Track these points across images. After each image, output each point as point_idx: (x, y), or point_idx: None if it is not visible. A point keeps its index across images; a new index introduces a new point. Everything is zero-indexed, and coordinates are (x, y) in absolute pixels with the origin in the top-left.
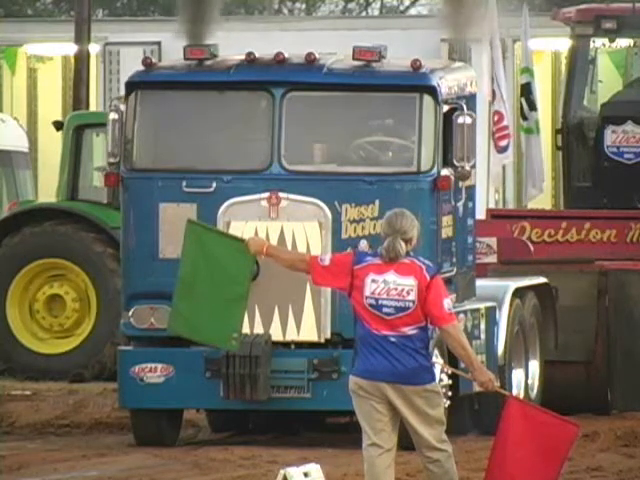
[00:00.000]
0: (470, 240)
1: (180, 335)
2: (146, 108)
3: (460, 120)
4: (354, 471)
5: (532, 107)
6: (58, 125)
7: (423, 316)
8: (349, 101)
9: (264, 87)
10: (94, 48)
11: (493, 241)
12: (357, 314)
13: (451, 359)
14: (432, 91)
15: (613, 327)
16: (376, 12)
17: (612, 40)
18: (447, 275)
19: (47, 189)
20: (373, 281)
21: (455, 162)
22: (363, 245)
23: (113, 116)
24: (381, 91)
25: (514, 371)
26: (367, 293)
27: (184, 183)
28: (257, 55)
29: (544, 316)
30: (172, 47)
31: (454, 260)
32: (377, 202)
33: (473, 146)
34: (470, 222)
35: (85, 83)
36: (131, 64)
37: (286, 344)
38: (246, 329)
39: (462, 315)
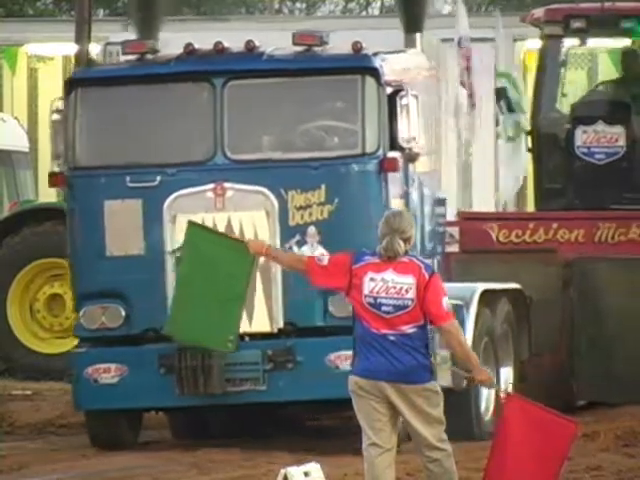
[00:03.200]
0: (430, 228)
1: (176, 339)
2: (87, 105)
3: (404, 101)
4: (354, 471)
5: (510, 109)
6: None
7: (422, 314)
8: (291, 87)
9: (204, 77)
10: (95, 48)
11: (455, 230)
12: (356, 313)
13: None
14: (374, 72)
15: (578, 318)
16: (376, 12)
17: (582, 41)
18: None
19: (47, 189)
20: (371, 280)
21: (402, 144)
22: (311, 232)
23: (55, 117)
24: (322, 75)
25: None
26: (366, 292)
27: (128, 178)
28: (197, 46)
29: (517, 323)
30: (174, 45)
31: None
32: (323, 187)
33: (419, 128)
34: (428, 209)
35: None
36: None
37: (240, 336)
38: None
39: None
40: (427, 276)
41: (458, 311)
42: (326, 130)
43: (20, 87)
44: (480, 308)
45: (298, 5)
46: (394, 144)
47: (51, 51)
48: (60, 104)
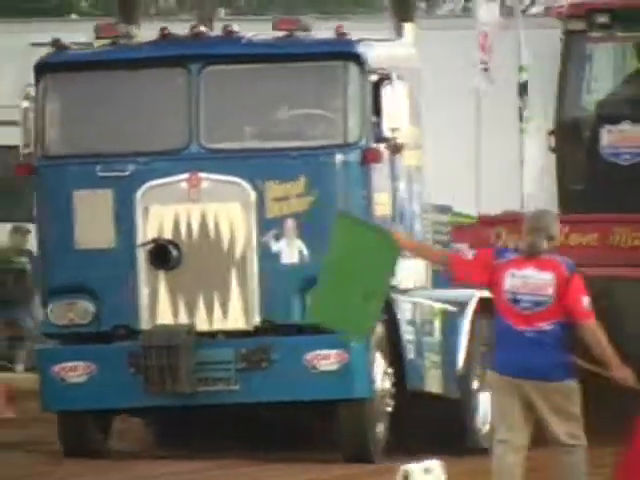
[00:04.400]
0: (417, 226)
1: (318, 323)
2: (56, 91)
3: (389, 89)
4: (473, 469)
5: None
6: None
7: (561, 312)
8: (270, 73)
9: (180, 62)
10: None
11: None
12: (496, 309)
13: None
14: (357, 59)
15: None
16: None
17: (612, 35)
18: None
19: None
20: (513, 276)
21: (386, 133)
22: (290, 224)
23: (25, 104)
24: (303, 60)
25: (481, 393)
26: (506, 288)
27: (98, 167)
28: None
29: None
30: None
31: None
32: (302, 178)
33: (405, 117)
34: (417, 205)
35: None
36: None
37: (213, 334)
38: (169, 319)
39: (410, 305)
40: (569, 274)
41: (452, 317)
42: (306, 118)
43: None
44: (477, 316)
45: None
46: (378, 134)
47: None
48: (32, 91)
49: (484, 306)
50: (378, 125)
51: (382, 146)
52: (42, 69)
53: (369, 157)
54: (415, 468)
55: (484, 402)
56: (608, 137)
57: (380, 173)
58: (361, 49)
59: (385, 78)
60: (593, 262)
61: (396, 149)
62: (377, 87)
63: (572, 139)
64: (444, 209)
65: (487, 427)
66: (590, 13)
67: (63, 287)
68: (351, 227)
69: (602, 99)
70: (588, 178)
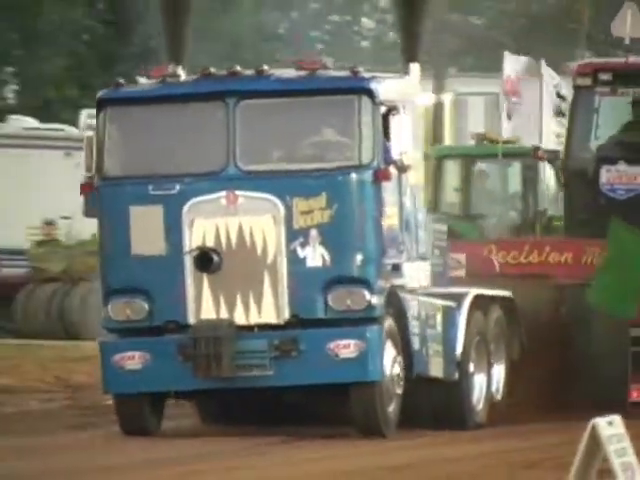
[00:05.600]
0: (422, 234)
1: (599, 308)
2: (114, 122)
3: (396, 118)
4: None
5: None
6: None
7: None
8: (296, 105)
9: (218, 97)
10: (447, 97)
11: (462, 257)
12: None
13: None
14: (369, 93)
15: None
16: None
17: (613, 90)
18: (393, 261)
19: None
20: None
21: (394, 156)
22: (313, 234)
23: (88, 133)
24: (324, 95)
25: (476, 376)
26: None
27: (150, 187)
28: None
29: (509, 326)
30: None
31: (401, 248)
32: (324, 194)
33: (410, 142)
34: (420, 217)
35: (441, 124)
36: (475, 110)
37: (250, 327)
38: (212, 315)
39: (416, 302)
40: None
41: (451, 312)
42: (326, 144)
43: (450, 118)
44: (472, 310)
45: None
46: (387, 157)
47: (474, 89)
48: (93, 122)
49: (478, 301)
50: (387, 149)
51: (391, 167)
52: (102, 103)
53: (380, 176)
54: (601, 421)
55: (478, 383)
56: (607, 175)
57: (390, 190)
58: (373, 85)
59: (393, 109)
60: (569, 277)
61: (403, 169)
62: (386, 117)
63: (578, 176)
64: (441, 219)
65: (481, 405)
66: (596, 72)
67: (121, 288)
68: (623, 231)
69: (602, 143)
70: (590, 209)
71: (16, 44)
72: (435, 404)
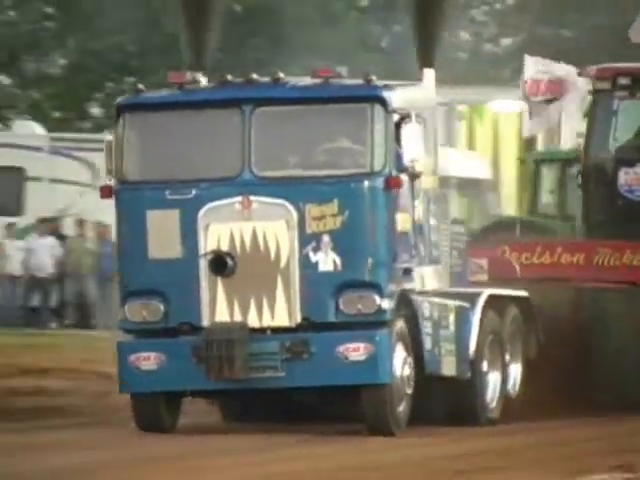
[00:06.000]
0: (436, 238)
1: None
2: (133, 128)
3: (408, 127)
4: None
5: None
6: (521, 160)
7: None
8: (310, 113)
9: (235, 104)
10: None
11: (484, 262)
12: None
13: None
14: (382, 101)
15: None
16: None
17: (632, 94)
18: (405, 266)
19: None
20: None
21: (406, 164)
22: (326, 239)
23: (108, 139)
24: (337, 102)
25: (490, 374)
26: None
27: (167, 192)
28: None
29: (525, 325)
30: None
31: (413, 252)
32: (336, 200)
33: (422, 150)
34: (434, 222)
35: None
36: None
37: (262, 330)
38: (225, 317)
39: (428, 304)
40: None
41: (464, 312)
42: (339, 151)
43: (487, 134)
44: (486, 310)
45: None
46: (399, 164)
47: (509, 108)
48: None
49: (492, 301)
50: (399, 157)
51: (402, 174)
52: (122, 109)
53: (391, 183)
54: None
55: (492, 381)
56: (625, 177)
57: (401, 196)
58: (385, 93)
59: (405, 117)
60: (581, 277)
61: (414, 176)
62: (398, 125)
63: (596, 179)
64: (457, 220)
65: (495, 403)
66: (615, 76)
67: (138, 290)
68: None
69: (620, 146)
70: (608, 211)
71: (134, 55)
72: (448, 402)
